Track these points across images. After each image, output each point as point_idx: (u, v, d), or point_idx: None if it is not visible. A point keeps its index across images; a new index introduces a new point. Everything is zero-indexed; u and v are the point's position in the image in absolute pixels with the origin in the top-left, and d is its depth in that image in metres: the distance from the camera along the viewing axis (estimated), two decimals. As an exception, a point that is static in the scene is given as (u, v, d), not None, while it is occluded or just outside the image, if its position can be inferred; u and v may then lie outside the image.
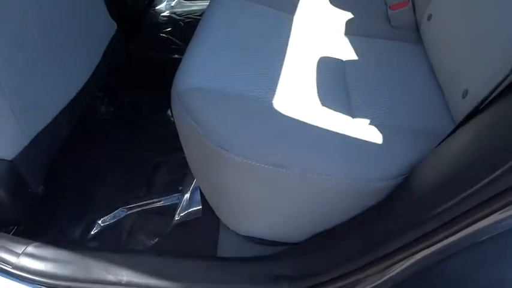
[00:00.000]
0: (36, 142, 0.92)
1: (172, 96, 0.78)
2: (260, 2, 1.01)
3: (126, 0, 1.40)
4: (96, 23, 1.17)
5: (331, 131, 0.72)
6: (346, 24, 1.04)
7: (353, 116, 0.78)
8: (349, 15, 1.06)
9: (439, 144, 0.67)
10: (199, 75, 0.77)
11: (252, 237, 0.82)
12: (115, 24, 1.25)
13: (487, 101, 0.65)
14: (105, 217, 1.05)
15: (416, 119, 0.80)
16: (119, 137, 1.27)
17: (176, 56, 1.57)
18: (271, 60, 0.85)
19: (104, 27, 1.22)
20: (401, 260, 0.62)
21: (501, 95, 0.63)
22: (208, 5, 1.04)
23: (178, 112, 0.75)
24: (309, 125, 0.72)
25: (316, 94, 0.81)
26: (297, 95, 0.79)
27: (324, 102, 0.79)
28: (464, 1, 0.83)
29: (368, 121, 0.77)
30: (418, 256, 0.61)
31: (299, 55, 0.90)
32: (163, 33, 1.71)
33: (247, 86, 0.77)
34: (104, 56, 1.19)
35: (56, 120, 0.99)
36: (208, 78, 0.77)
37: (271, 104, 0.75)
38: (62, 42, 1.02)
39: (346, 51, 0.96)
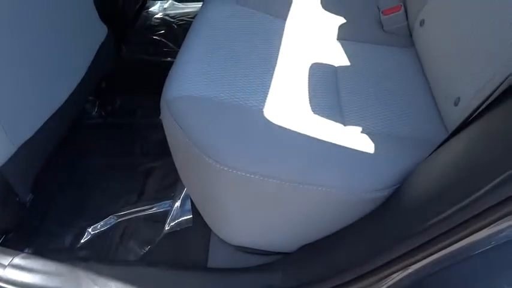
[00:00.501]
0: (25, 150, 0.91)
1: (162, 104, 0.76)
2: (252, 7, 1.00)
3: (117, 3, 1.38)
4: (86, 27, 1.16)
5: (322, 141, 0.70)
6: (338, 29, 1.03)
7: (345, 124, 0.77)
8: (342, 20, 1.05)
9: (431, 153, 0.66)
10: (189, 82, 0.76)
11: (243, 246, 0.80)
12: (106, 28, 1.23)
13: (480, 109, 0.64)
14: (96, 225, 1.04)
15: (409, 126, 0.79)
16: (111, 142, 1.26)
17: (169, 59, 1.56)
18: (263, 67, 0.84)
19: (94, 31, 1.20)
20: (396, 272, 0.62)
21: (494, 103, 0.62)
22: (200, 9, 1.03)
23: (167, 120, 0.74)
24: (300, 134, 0.71)
25: (308, 102, 0.80)
26: (288, 103, 0.78)
27: (316, 110, 0.78)
28: (456, 7, 0.82)
29: (360, 129, 0.76)
30: (413, 268, 0.60)
31: (291, 61, 0.89)
32: (156, 35, 1.70)
33: (238, 94, 0.76)
34: (94, 60, 1.17)
35: (45, 126, 0.98)
36: (198, 86, 0.76)
37: (262, 112, 0.74)
38: (50, 47, 1.00)
39: (338, 57, 0.95)
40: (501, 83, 0.62)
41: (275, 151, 0.68)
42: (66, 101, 1.06)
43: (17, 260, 0.78)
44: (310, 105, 0.79)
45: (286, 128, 0.72)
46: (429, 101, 0.84)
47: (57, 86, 1.04)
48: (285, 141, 0.70)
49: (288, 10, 1.04)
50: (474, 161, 0.57)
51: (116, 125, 1.31)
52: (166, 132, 0.78)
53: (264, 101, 0.76)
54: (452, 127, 0.68)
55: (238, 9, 0.98)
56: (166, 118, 0.75)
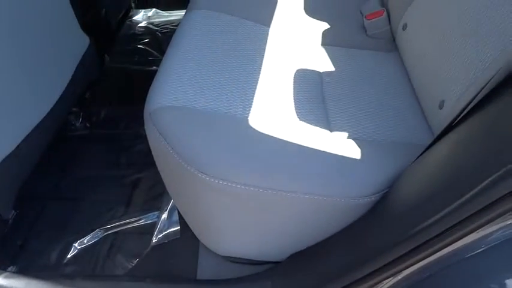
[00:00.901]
0: (5, 166, 0.88)
1: (145, 115, 0.75)
2: (235, 14, 0.99)
3: (99, 13, 1.36)
4: (67, 38, 1.14)
5: (309, 148, 0.70)
6: (322, 34, 1.03)
7: (331, 130, 0.77)
8: (325, 26, 1.05)
9: (417, 158, 0.66)
10: (171, 93, 0.75)
11: (232, 257, 0.79)
12: (87, 38, 1.22)
13: (465, 112, 0.64)
14: (82, 239, 1.01)
15: (395, 130, 0.79)
16: (96, 153, 1.24)
17: (154, 67, 1.55)
18: (247, 75, 0.83)
19: (76, 41, 1.19)
20: (386, 278, 0.61)
21: (478, 106, 0.63)
22: (183, 18, 1.02)
23: (151, 132, 0.73)
24: (287, 142, 0.70)
25: (294, 109, 0.79)
26: (274, 111, 0.78)
27: (302, 117, 0.77)
28: (438, 11, 0.82)
29: (346, 135, 0.76)
30: (404, 273, 0.60)
31: (276, 68, 0.88)
32: (140, 44, 1.68)
33: (223, 103, 0.75)
34: (76, 71, 1.16)
35: (26, 140, 0.96)
36: (181, 95, 0.75)
37: (248, 121, 0.73)
38: (29, 59, 0.98)
39: (323, 63, 0.94)
40: (484, 86, 0.62)
41: (261, 160, 0.67)
42: (48, 113, 1.04)
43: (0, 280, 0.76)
44: (296, 112, 0.79)
45: (272, 137, 0.71)
46: (415, 105, 0.84)
47: (38, 98, 1.02)
48: (271, 150, 0.69)
49: (272, 16, 1.04)
50: (459, 166, 0.56)
51: (100, 136, 1.29)
52: (150, 144, 0.76)
53: (249, 110, 0.75)
54: (437, 130, 0.68)
55: (222, 17, 0.97)
56: (149, 129, 0.73)
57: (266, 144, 0.70)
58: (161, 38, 1.71)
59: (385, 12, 1.02)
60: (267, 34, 0.97)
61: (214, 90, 0.77)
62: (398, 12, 0.98)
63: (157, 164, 0.79)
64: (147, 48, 1.66)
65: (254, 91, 0.79)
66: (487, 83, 0.61)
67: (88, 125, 1.32)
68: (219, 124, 0.72)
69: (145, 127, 0.75)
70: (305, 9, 1.11)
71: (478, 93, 0.62)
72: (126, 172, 1.17)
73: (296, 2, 1.13)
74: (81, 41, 1.20)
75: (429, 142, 0.66)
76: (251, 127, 0.72)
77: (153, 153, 0.77)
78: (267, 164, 0.67)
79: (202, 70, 0.81)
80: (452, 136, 0.63)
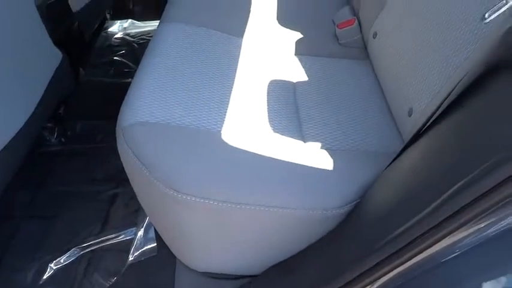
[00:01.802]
0: (-25, 186, 0.86)
1: (117, 131, 0.74)
2: (207, 25, 0.99)
3: (72, 26, 1.34)
4: (38, 53, 1.12)
5: (282, 161, 0.70)
6: (295, 44, 1.03)
7: (304, 141, 0.77)
8: (298, 36, 1.06)
9: (388, 166, 0.66)
10: (143, 108, 0.74)
11: (210, 272, 0.78)
12: (60, 53, 1.20)
13: (432, 119, 0.65)
14: (58, 259, 1.00)
15: (368, 139, 0.79)
16: (71, 169, 1.22)
17: (130, 79, 1.52)
18: (220, 88, 0.83)
19: (48, 56, 1.16)
20: (365, 286, 0.61)
21: (445, 113, 0.63)
22: (156, 31, 1.02)
23: (123, 149, 0.72)
24: (260, 156, 0.70)
25: (267, 120, 0.79)
26: (247, 124, 0.77)
27: (275, 129, 0.77)
28: (406, 19, 0.83)
29: (319, 145, 0.76)
30: (379, 282, 0.60)
31: (249, 79, 0.88)
32: (116, 56, 1.67)
33: (196, 117, 0.75)
34: (49, 87, 1.13)
35: (-2, 158, 0.93)
36: (153, 111, 0.74)
37: (220, 136, 0.72)
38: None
39: (296, 72, 0.95)
40: (450, 92, 0.63)
41: (233, 175, 0.67)
42: (20, 130, 1.01)
43: (-30, 306, 0.73)
44: (270, 124, 0.78)
45: (245, 151, 0.71)
46: (386, 113, 0.85)
47: (8, 115, 0.99)
48: (245, 164, 0.69)
49: (244, 27, 1.04)
50: (427, 173, 0.57)
51: (76, 152, 1.27)
52: (122, 160, 0.75)
53: (222, 123, 0.75)
54: (407, 137, 0.69)
55: (193, 30, 0.97)
56: (121, 146, 0.72)
57: (239, 159, 0.69)
58: (138, 50, 1.70)
59: (356, 21, 1.03)
60: (240, 45, 0.97)
61: (187, 104, 0.77)
62: (368, 21, 0.99)
63: (130, 181, 0.78)
64: (123, 59, 1.65)
65: (227, 104, 0.79)
66: (453, 89, 0.62)
67: (63, 140, 1.30)
68: (193, 139, 0.71)
69: (118, 144, 0.74)
70: (277, 19, 1.11)
71: (445, 99, 0.63)
72: (103, 188, 1.15)
73: (268, 12, 1.14)
74: (53, 56, 1.18)
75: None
76: (224, 142, 0.72)
77: (125, 170, 0.76)
78: (240, 179, 0.67)
79: (175, 84, 0.81)
80: (422, 142, 0.64)
